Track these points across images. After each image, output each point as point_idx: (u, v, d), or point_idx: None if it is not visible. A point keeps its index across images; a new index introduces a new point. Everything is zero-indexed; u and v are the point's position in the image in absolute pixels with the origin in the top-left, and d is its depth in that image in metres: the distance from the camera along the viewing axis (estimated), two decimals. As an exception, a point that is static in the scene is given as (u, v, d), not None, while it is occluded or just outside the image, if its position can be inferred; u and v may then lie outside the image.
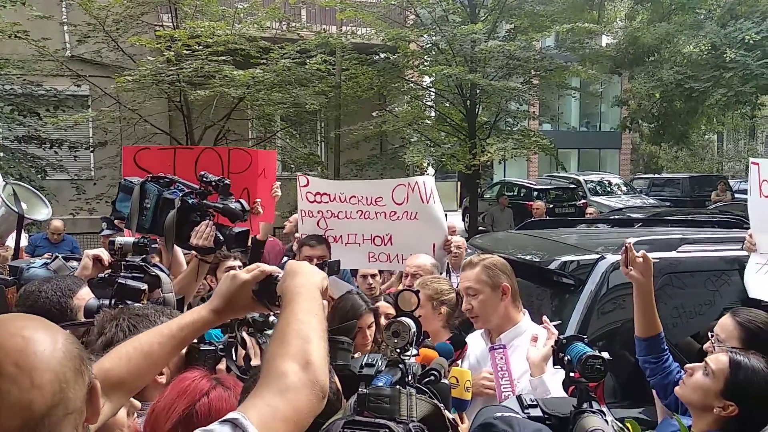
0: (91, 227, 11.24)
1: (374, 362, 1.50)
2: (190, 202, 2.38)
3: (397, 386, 1.39)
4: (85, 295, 2.29)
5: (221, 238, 2.39)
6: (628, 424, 1.40)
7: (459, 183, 24.23)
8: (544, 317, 2.58)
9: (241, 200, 2.39)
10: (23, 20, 10.72)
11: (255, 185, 4.57)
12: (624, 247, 2.69)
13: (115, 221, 2.93)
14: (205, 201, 2.40)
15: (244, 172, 4.48)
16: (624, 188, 20.90)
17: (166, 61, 10.79)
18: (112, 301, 2.18)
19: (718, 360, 2.26)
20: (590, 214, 12.72)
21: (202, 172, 2.43)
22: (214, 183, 2.38)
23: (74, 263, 2.65)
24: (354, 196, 4.69)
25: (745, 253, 3.35)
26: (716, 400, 2.17)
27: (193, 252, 2.66)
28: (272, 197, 5.11)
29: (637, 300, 2.68)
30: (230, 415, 1.09)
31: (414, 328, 1.64)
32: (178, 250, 3.15)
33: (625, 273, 2.66)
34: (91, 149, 13.09)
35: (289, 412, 1.13)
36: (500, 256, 3.73)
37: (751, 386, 2.16)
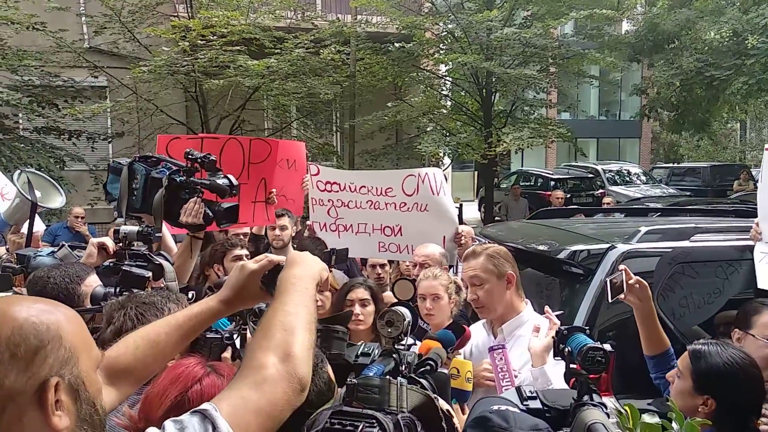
0: (110, 217, 11.36)
1: (370, 352, 1.48)
2: (177, 180, 2.38)
3: (388, 376, 1.37)
4: (93, 283, 2.32)
5: (210, 214, 2.38)
6: (627, 408, 1.38)
7: (476, 173, 24.16)
8: (546, 307, 2.55)
9: (229, 176, 2.38)
10: (41, 12, 10.82)
11: (272, 175, 4.59)
12: (606, 280, 2.62)
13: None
14: (192, 178, 2.40)
15: (263, 162, 4.52)
16: (643, 177, 20.61)
17: (182, 51, 10.84)
18: (117, 289, 2.20)
19: (683, 358, 2.21)
20: (607, 203, 12.58)
21: (188, 149, 2.41)
22: (199, 160, 2.37)
23: (80, 252, 2.68)
24: (364, 186, 4.70)
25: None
26: (695, 398, 2.10)
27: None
28: (303, 190, 5.12)
29: (639, 322, 2.63)
30: (201, 406, 1.09)
31: (409, 318, 1.63)
32: (165, 232, 3.17)
33: (622, 299, 2.60)
34: (109, 140, 13.22)
35: (263, 404, 1.12)
36: (510, 246, 3.72)
37: (714, 371, 2.09)
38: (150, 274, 2.27)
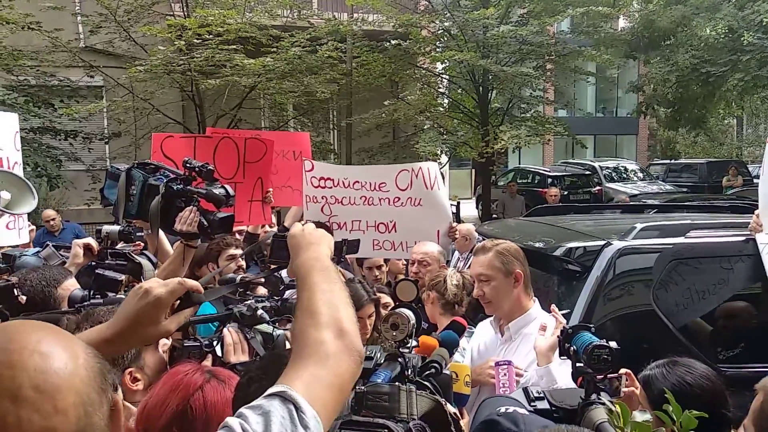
0: (107, 217, 11.33)
1: (373, 355, 1.44)
2: (174, 188, 2.36)
3: (397, 383, 1.34)
4: (70, 286, 2.32)
5: (205, 223, 2.37)
6: (618, 405, 1.37)
7: (473, 170, 24.17)
8: (553, 306, 2.52)
9: (225, 186, 2.37)
10: (36, 11, 10.77)
11: (268, 174, 4.56)
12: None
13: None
14: (189, 187, 2.38)
15: (258, 161, 4.47)
16: (640, 174, 20.61)
17: (178, 50, 10.81)
18: (91, 292, 2.18)
19: (641, 390, 2.10)
20: (624, 200, 12.44)
21: (186, 158, 2.41)
22: (197, 168, 2.36)
23: (66, 252, 2.68)
24: (357, 182, 4.67)
25: (752, 237, 3.29)
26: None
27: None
28: None
29: None
30: (275, 388, 1.05)
31: (413, 320, 1.60)
32: (163, 237, 3.15)
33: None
34: (106, 140, 13.19)
35: (333, 378, 1.11)
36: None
37: (665, 396, 1.94)
38: (123, 277, 2.25)
